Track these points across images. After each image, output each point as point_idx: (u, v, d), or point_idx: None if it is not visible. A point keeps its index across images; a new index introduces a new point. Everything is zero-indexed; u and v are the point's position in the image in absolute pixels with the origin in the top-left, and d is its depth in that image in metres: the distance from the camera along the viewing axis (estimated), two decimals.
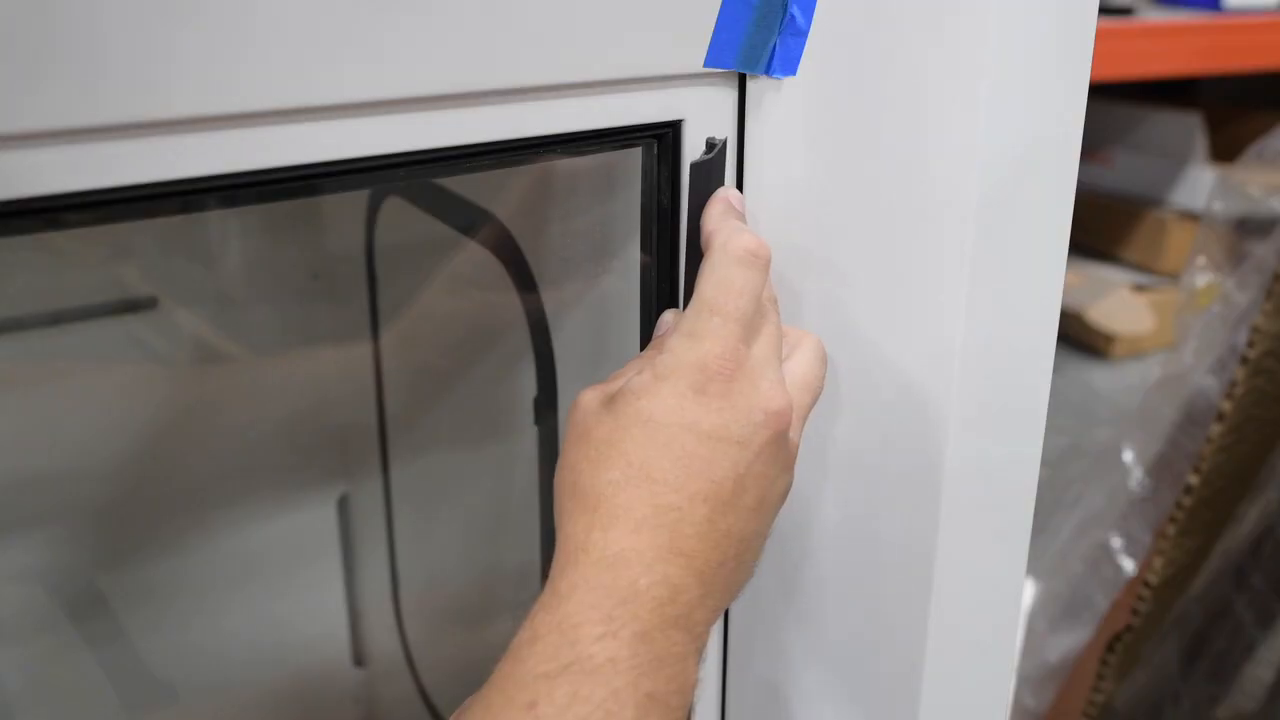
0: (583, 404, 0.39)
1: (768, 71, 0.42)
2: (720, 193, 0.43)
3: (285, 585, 0.83)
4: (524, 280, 0.55)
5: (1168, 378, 0.96)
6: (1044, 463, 0.46)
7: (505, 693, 0.34)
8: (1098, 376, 1.59)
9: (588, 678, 0.34)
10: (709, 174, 0.43)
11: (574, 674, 0.34)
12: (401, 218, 0.68)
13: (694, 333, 0.38)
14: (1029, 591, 1.05)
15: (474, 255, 0.56)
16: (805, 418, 0.42)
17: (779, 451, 0.39)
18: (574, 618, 0.35)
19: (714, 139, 0.43)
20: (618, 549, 0.36)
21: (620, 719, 0.33)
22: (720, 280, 0.39)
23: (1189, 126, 1.76)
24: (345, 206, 0.73)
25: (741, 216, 0.42)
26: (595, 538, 0.36)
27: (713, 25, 0.41)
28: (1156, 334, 1.66)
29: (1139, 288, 1.73)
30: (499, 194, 0.55)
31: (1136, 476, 0.97)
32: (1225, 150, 1.67)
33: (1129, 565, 0.97)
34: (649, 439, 0.37)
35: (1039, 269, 0.43)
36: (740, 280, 0.39)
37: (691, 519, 0.37)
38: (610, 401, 0.39)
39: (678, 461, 0.37)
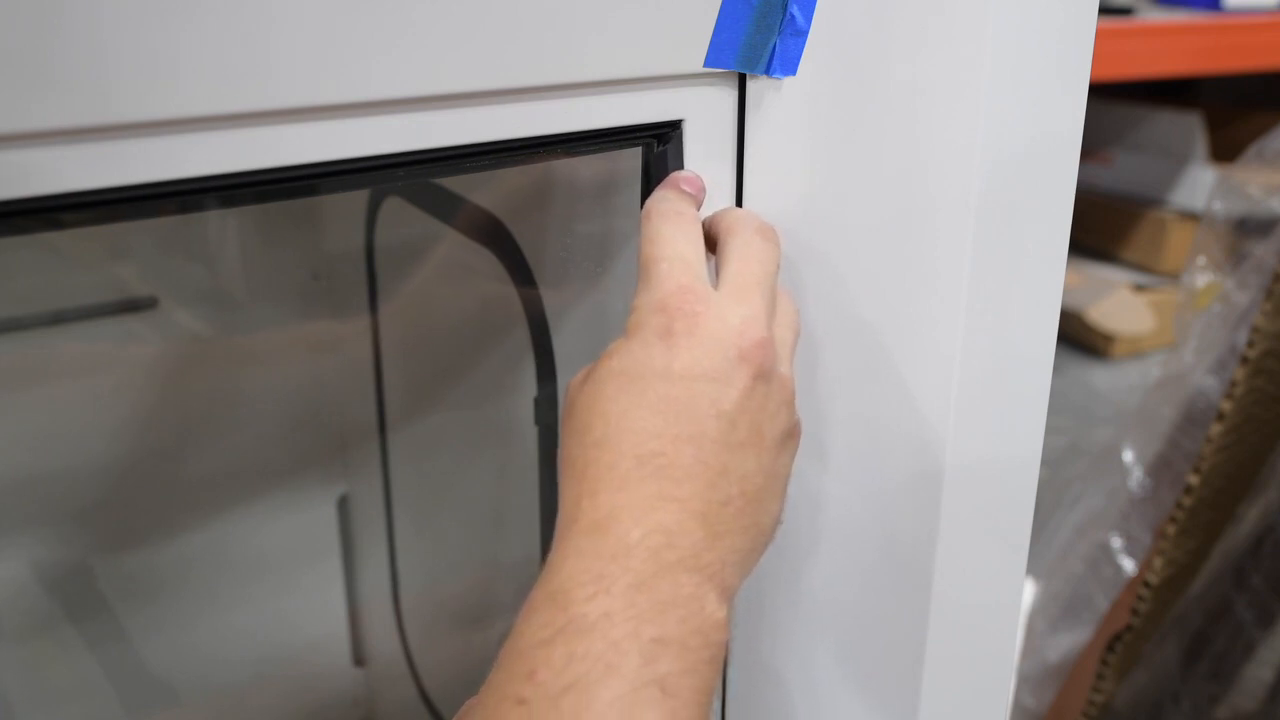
0: (569, 385, 0.39)
1: (768, 71, 0.42)
2: (670, 177, 0.42)
3: (285, 585, 0.83)
4: (524, 280, 0.55)
5: (1168, 378, 0.96)
6: (1044, 463, 0.46)
7: (505, 668, 0.34)
8: (1098, 376, 1.59)
9: (582, 636, 0.33)
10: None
11: (569, 635, 0.33)
12: (401, 218, 0.68)
13: (647, 281, 0.38)
14: (1029, 591, 1.06)
15: (474, 255, 0.56)
16: (792, 351, 0.41)
17: (766, 385, 0.38)
18: (565, 584, 0.34)
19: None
20: (606, 509, 0.35)
21: (625, 668, 0.33)
22: (652, 234, 0.39)
23: (1189, 126, 1.76)
24: (345, 206, 0.73)
25: (684, 195, 0.42)
26: (584, 505, 0.36)
27: (713, 25, 0.41)
28: (1156, 334, 1.66)
29: (1139, 288, 1.73)
30: (499, 194, 0.55)
31: (1136, 476, 0.97)
32: (1225, 150, 1.67)
33: (1129, 565, 0.97)
34: (622, 392, 0.37)
35: (1039, 269, 0.43)
36: (668, 230, 0.39)
37: (679, 462, 0.36)
38: (590, 369, 0.38)
39: (654, 408, 0.36)
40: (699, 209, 0.42)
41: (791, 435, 0.40)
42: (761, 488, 0.38)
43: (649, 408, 0.36)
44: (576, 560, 0.35)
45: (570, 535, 0.36)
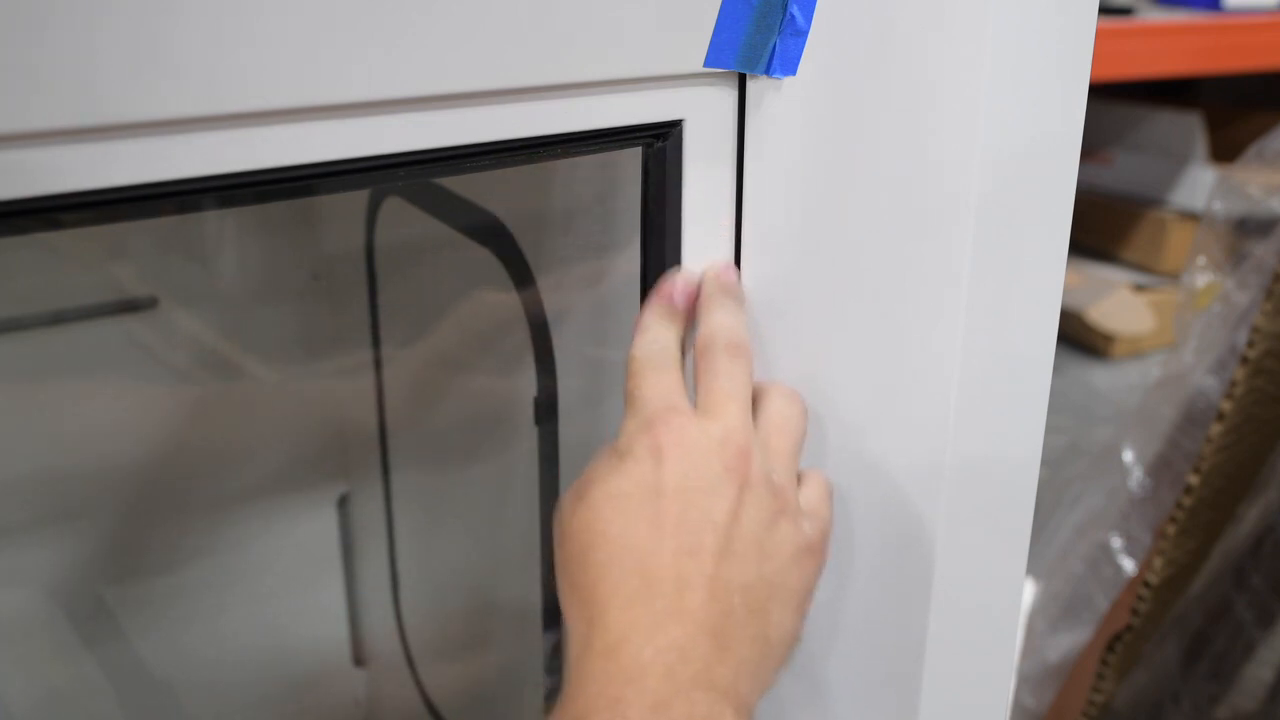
0: (560, 507, 0.40)
1: (768, 71, 0.42)
2: (662, 287, 0.44)
3: (285, 585, 0.83)
4: (524, 280, 0.55)
5: (1168, 378, 0.96)
6: (1044, 463, 0.46)
7: None
8: (1098, 376, 1.59)
9: None
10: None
11: None
12: (401, 218, 0.68)
13: (632, 406, 0.40)
14: (1029, 591, 1.05)
15: (474, 255, 0.56)
16: (789, 459, 0.42)
17: (756, 494, 0.39)
18: (583, 712, 0.35)
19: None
20: (617, 631, 0.36)
21: None
22: (635, 370, 0.41)
23: (1189, 126, 1.76)
24: (345, 206, 0.73)
25: (667, 318, 0.43)
26: (596, 631, 0.36)
27: (713, 25, 0.41)
28: (1156, 334, 1.66)
29: (1139, 288, 1.73)
30: (499, 194, 0.55)
31: (1136, 476, 0.97)
32: (1225, 150, 1.67)
33: (1129, 565, 0.97)
34: (619, 513, 0.38)
35: (1039, 269, 0.43)
36: (650, 367, 0.41)
37: (681, 576, 0.37)
38: (580, 493, 0.39)
39: (652, 525, 0.37)
40: (688, 312, 0.44)
41: (807, 551, 0.40)
42: (766, 599, 0.39)
43: (646, 525, 0.37)
44: (591, 684, 0.35)
45: (584, 660, 0.36)
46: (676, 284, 0.44)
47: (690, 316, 0.44)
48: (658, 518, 0.37)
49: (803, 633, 0.41)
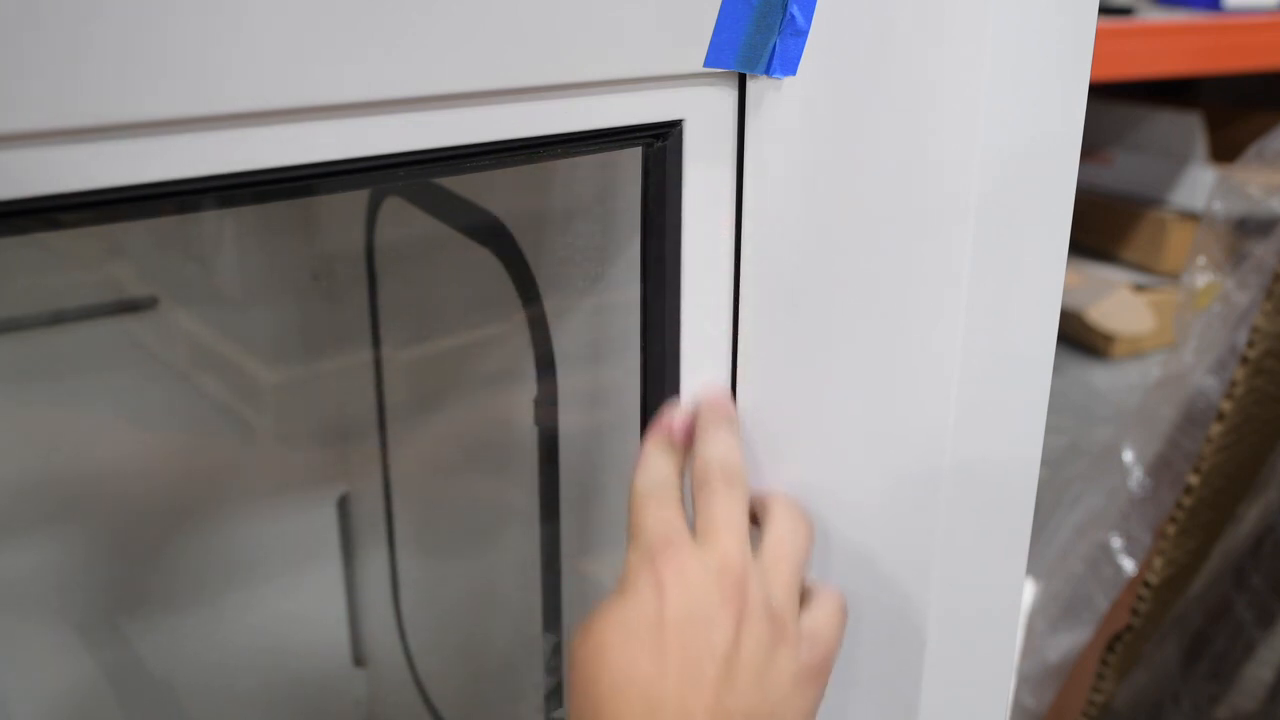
0: (572, 643, 0.41)
1: (768, 71, 0.42)
2: (661, 421, 0.46)
3: (285, 586, 0.83)
4: (524, 280, 0.55)
5: (1168, 378, 0.96)
6: (1044, 463, 0.46)
7: None
8: (1098, 376, 1.59)
9: None
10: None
11: None
12: (401, 218, 0.68)
13: (635, 540, 0.42)
14: (1029, 591, 1.05)
15: (474, 255, 0.56)
16: (789, 583, 0.43)
17: (755, 622, 0.40)
18: None
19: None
20: None
21: None
22: (637, 504, 0.43)
23: (1189, 126, 1.76)
24: (345, 206, 0.73)
25: (666, 451, 0.45)
26: None
27: (713, 25, 0.41)
28: (1156, 334, 1.66)
29: (1139, 288, 1.73)
30: (499, 194, 0.55)
31: (1136, 476, 0.97)
32: (1225, 150, 1.67)
33: (1129, 565, 0.97)
34: (624, 644, 0.39)
35: (1039, 269, 0.43)
36: (652, 502, 0.42)
37: (684, 707, 0.38)
38: (588, 624, 0.41)
39: (655, 656, 0.39)
40: (686, 442, 0.46)
41: (807, 678, 0.41)
42: None
43: (649, 656, 0.39)
44: None
45: None
46: (675, 416, 0.46)
47: (689, 445, 0.46)
48: (660, 649, 0.39)
49: None
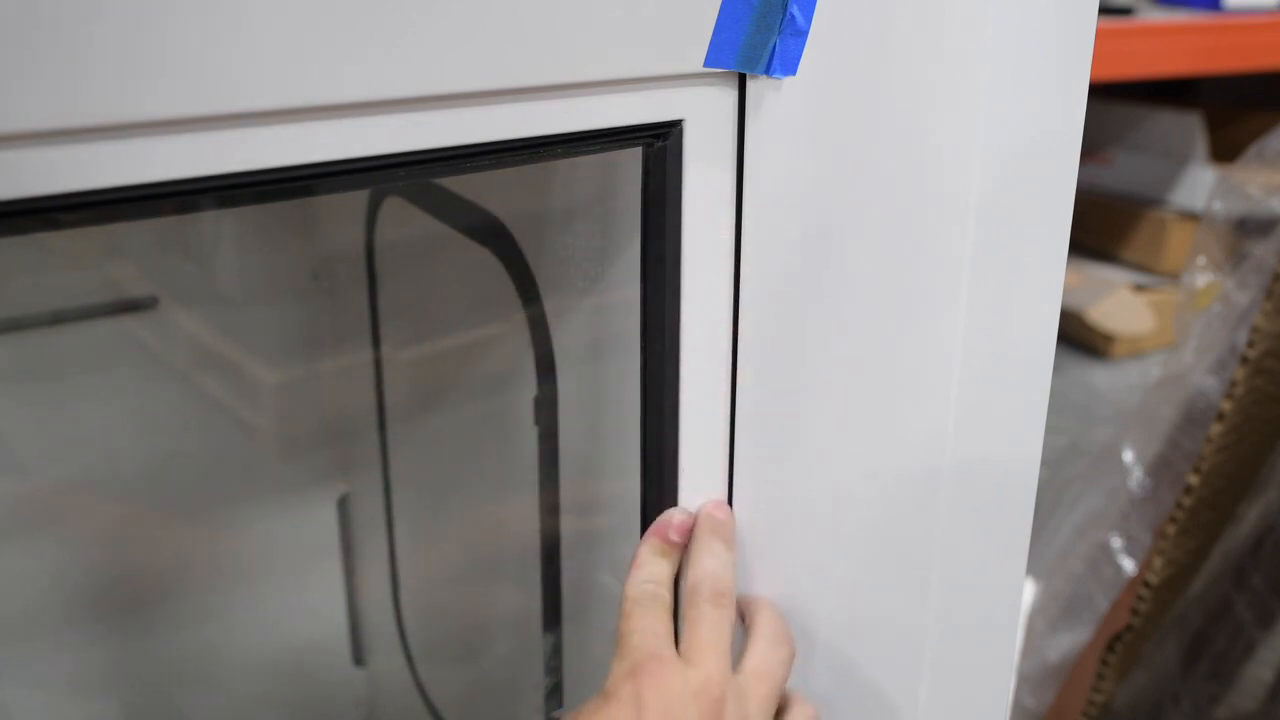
0: None
1: (768, 71, 0.42)
2: (659, 523, 0.47)
3: (285, 585, 0.83)
4: (524, 280, 0.55)
5: (1168, 378, 0.96)
6: (1044, 463, 0.46)
7: None
8: (1098, 376, 1.59)
9: None
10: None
11: None
12: (401, 218, 0.68)
13: (621, 650, 0.43)
14: (1029, 591, 1.05)
15: (474, 255, 0.56)
16: (768, 702, 0.44)
17: None
18: None
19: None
20: None
21: None
22: (628, 611, 0.44)
23: (1189, 126, 1.76)
24: (345, 206, 0.73)
25: (662, 557, 0.47)
26: None
27: (713, 25, 0.41)
28: (1156, 334, 1.66)
29: (1139, 288, 1.73)
30: (499, 194, 0.55)
31: (1136, 476, 0.97)
32: (1225, 150, 1.67)
33: (1129, 565, 0.97)
34: None
35: (1039, 269, 0.43)
36: (641, 609, 0.44)
37: None
38: None
39: None
40: (682, 547, 0.47)
41: None
42: None
43: None
44: None
45: None
46: (672, 522, 0.47)
47: (684, 550, 0.47)
48: None
49: None
